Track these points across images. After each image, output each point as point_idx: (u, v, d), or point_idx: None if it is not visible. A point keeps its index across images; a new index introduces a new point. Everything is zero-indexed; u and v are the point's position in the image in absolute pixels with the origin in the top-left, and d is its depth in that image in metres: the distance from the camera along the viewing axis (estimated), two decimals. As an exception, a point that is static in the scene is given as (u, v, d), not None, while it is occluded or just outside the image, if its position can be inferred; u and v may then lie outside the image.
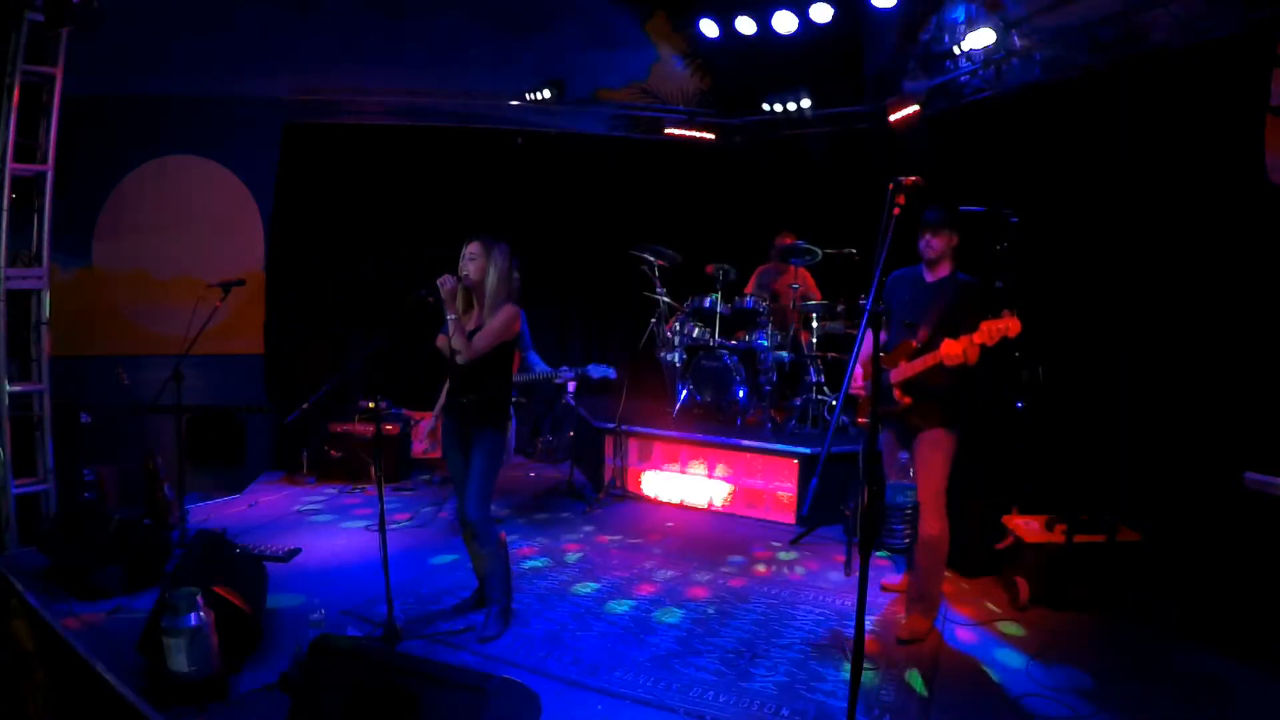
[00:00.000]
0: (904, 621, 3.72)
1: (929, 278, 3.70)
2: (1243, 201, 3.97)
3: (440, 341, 3.62)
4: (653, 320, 6.86)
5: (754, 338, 6.27)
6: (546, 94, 7.12)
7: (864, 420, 3.84)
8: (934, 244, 3.62)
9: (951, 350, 3.35)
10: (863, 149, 7.08)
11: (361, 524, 5.32)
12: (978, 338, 3.29)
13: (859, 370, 3.65)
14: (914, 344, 3.60)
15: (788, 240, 6.37)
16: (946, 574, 3.85)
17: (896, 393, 3.63)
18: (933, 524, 3.59)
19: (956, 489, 3.71)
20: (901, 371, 3.61)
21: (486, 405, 3.54)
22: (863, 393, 3.81)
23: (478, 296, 3.58)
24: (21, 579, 3.99)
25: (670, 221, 7.54)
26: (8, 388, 4.63)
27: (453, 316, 3.48)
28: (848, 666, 3.20)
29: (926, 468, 3.61)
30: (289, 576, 4.30)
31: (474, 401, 3.53)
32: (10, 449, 4.62)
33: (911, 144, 6.53)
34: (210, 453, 6.45)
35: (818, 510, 5.09)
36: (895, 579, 4.29)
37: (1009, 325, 3.22)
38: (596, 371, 5.43)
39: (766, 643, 3.61)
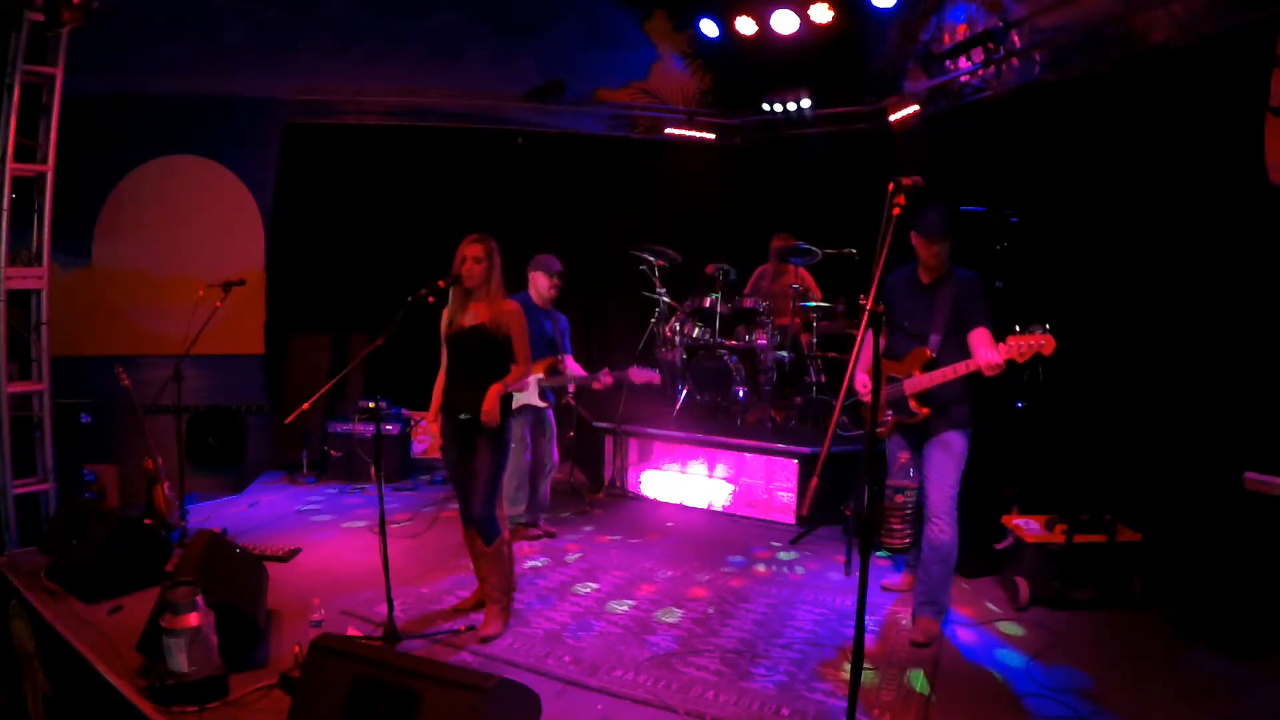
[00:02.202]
0: (915, 624, 3.69)
1: (925, 279, 3.64)
2: (1243, 201, 3.96)
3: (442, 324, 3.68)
4: (653, 320, 6.86)
5: (754, 338, 6.27)
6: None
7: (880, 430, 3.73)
8: (942, 253, 3.55)
9: (992, 360, 3.25)
10: (863, 149, 7.08)
11: (361, 524, 5.32)
12: (1009, 353, 3.20)
13: (863, 376, 3.59)
14: (928, 353, 3.54)
15: (783, 242, 6.37)
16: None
17: (913, 404, 3.57)
18: (944, 530, 3.54)
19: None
20: (918, 383, 3.54)
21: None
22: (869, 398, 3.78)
23: (481, 294, 3.57)
24: (21, 579, 4.00)
25: (670, 221, 7.54)
26: (7, 388, 4.63)
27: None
28: (848, 666, 3.19)
29: (938, 472, 3.57)
30: (289, 576, 4.30)
31: (475, 400, 3.53)
32: (10, 449, 4.62)
33: (911, 144, 6.53)
34: (210, 453, 6.46)
35: (818, 510, 5.08)
36: (895, 579, 4.29)
37: (1044, 343, 3.13)
38: (640, 376, 4.99)
39: (766, 643, 3.61)
